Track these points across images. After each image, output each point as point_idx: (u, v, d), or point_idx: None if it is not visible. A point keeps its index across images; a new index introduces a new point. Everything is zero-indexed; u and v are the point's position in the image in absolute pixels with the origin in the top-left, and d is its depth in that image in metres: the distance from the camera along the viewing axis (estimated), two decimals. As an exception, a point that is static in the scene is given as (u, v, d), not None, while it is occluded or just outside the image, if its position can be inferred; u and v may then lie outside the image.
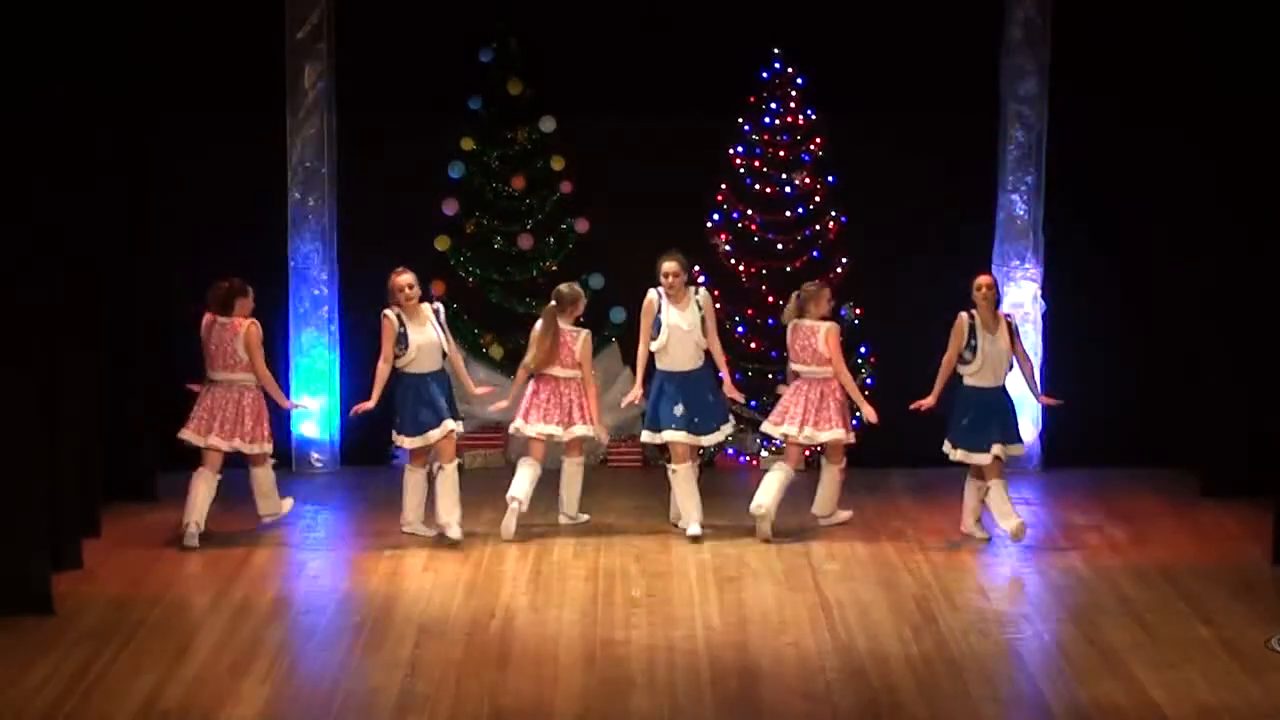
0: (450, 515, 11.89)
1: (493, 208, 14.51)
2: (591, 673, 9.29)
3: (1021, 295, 14.24)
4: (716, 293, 14.25)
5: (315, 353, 14.25)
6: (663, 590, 10.80)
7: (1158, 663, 9.40)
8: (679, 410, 12.00)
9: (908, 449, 13.27)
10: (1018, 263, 14.24)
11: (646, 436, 12.30)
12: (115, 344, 12.84)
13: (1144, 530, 12.33)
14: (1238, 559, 11.54)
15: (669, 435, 12.07)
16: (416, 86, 14.11)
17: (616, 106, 14.11)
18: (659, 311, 12.02)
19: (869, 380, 14.18)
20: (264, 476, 12.29)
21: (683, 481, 12.10)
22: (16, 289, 10.05)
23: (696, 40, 14.07)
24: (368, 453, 13.77)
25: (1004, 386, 11.89)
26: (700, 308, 12.04)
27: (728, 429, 12.30)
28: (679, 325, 11.98)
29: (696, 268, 14.27)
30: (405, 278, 11.92)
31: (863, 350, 14.26)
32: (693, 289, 12.15)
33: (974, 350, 11.72)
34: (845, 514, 12.48)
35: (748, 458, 14.40)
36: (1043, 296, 14.14)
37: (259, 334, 12.14)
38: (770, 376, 14.32)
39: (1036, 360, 13.33)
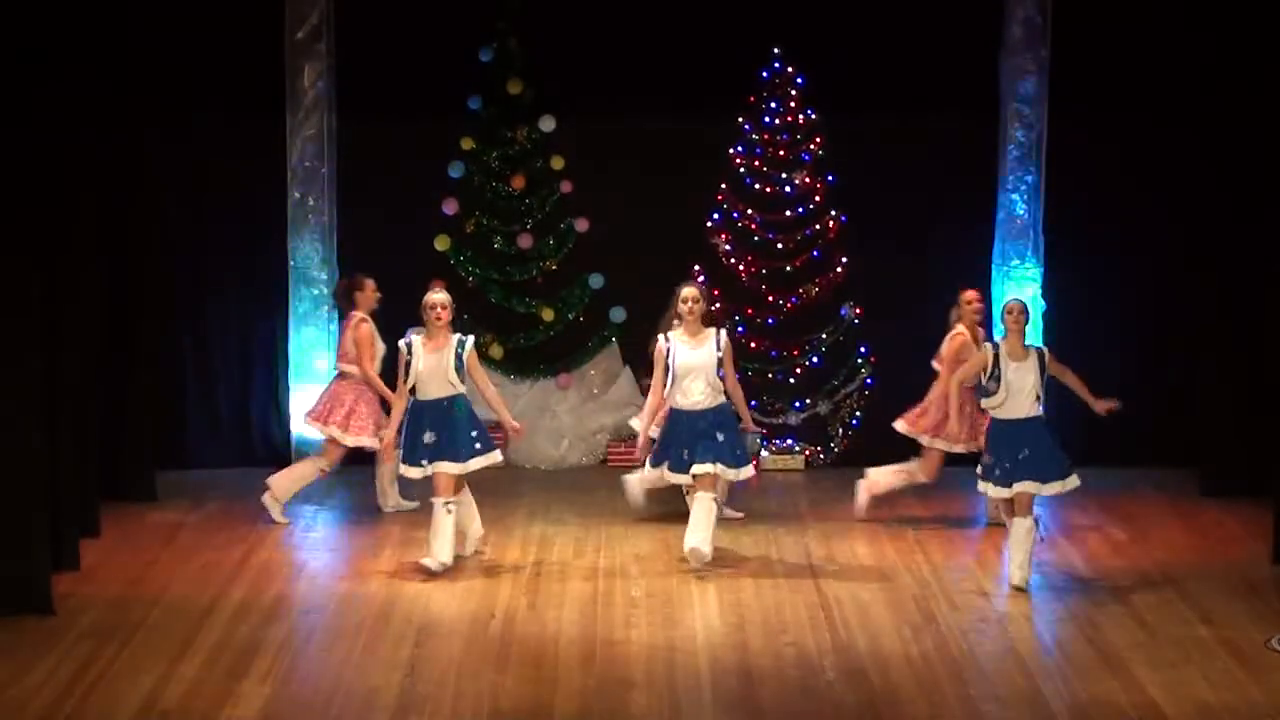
0: (438, 548, 11.11)
1: (493, 208, 14.51)
2: (591, 673, 9.28)
3: (1021, 295, 14.24)
4: (717, 292, 14.30)
5: (315, 353, 14.24)
6: (663, 590, 10.79)
7: (1158, 663, 9.39)
8: (686, 455, 11.18)
9: (908, 449, 13.27)
10: (1018, 262, 14.25)
11: (664, 473, 11.43)
12: (115, 344, 12.85)
13: (1144, 530, 12.33)
14: (1238, 559, 11.53)
15: (674, 478, 11.34)
16: (416, 86, 14.11)
17: (616, 106, 14.11)
18: (668, 356, 11.20)
19: (869, 380, 14.20)
20: (384, 472, 12.75)
21: (699, 508, 11.22)
22: (16, 289, 10.04)
23: (696, 40, 14.07)
24: (368, 453, 13.76)
25: (1039, 418, 10.89)
26: (719, 348, 11.20)
27: (733, 473, 11.24)
28: (688, 363, 11.17)
29: (696, 267, 14.32)
30: (433, 296, 11.15)
31: (863, 350, 14.27)
32: (714, 330, 11.29)
33: (998, 381, 10.82)
34: (863, 514, 12.46)
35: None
36: (1043, 296, 14.15)
37: (369, 332, 12.46)
38: (770, 376, 14.35)
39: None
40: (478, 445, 11.10)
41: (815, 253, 14.35)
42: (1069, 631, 10.00)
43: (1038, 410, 10.88)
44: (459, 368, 11.06)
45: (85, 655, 9.43)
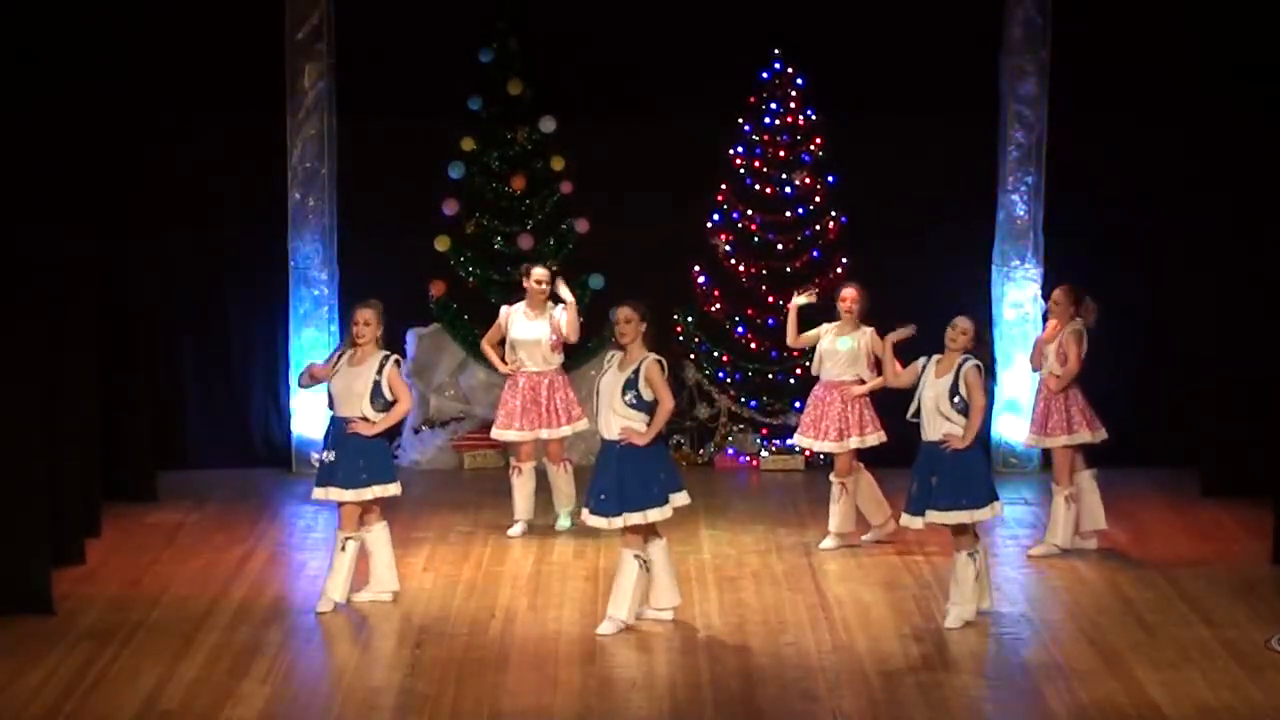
0: (332, 589, 10.39)
1: (493, 208, 14.50)
2: (591, 673, 9.29)
3: (1021, 295, 14.25)
4: (716, 292, 14.30)
5: (315, 353, 14.23)
6: (663, 590, 10.78)
7: (1158, 663, 9.40)
8: (602, 498, 9.94)
9: (907, 450, 13.25)
10: (1018, 263, 14.25)
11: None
12: (115, 344, 12.84)
13: (1144, 530, 12.33)
14: (1238, 559, 11.54)
15: (585, 518, 10.11)
16: (416, 87, 14.10)
17: (616, 106, 14.10)
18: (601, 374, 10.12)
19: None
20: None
21: (620, 567, 10.06)
22: (17, 290, 10.04)
23: (696, 40, 14.06)
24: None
25: (941, 441, 10.01)
26: (639, 373, 9.84)
27: (637, 517, 9.86)
28: (603, 387, 9.96)
29: (696, 268, 14.32)
30: (357, 313, 10.34)
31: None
32: (645, 354, 9.90)
33: (916, 396, 10.16)
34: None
35: (748, 458, 14.40)
36: (1043, 297, 14.14)
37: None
38: (770, 377, 14.34)
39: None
40: (364, 475, 10.25)
41: (815, 253, 14.34)
42: (1069, 632, 10.00)
43: (948, 430, 10.01)
44: (375, 393, 10.21)
45: (85, 655, 9.43)
